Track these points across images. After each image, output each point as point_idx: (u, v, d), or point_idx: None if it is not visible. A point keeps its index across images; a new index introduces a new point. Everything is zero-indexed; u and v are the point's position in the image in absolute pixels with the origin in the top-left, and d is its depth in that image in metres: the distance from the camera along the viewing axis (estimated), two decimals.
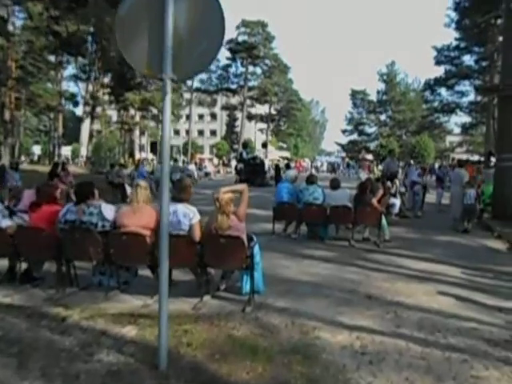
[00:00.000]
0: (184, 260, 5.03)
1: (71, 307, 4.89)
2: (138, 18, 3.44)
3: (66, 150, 56.01)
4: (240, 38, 54.89)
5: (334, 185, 9.23)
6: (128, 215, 5.33)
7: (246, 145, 31.23)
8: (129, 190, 17.43)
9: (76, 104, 49.15)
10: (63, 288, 5.38)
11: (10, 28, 27.18)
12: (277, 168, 24.44)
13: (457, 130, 54.81)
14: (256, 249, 5.27)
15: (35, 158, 55.19)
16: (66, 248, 5.34)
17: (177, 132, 69.47)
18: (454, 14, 35.76)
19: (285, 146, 71.64)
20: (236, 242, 4.89)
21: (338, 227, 9.42)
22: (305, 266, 7.08)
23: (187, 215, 5.09)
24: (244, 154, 27.57)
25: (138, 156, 43.05)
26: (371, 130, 66.88)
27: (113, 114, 50.56)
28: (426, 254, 8.11)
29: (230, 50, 54.16)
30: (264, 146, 32.37)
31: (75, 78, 39.40)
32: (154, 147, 27.74)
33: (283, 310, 4.91)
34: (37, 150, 58.29)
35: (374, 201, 8.90)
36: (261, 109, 59.76)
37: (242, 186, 5.27)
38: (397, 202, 12.03)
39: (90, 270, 5.78)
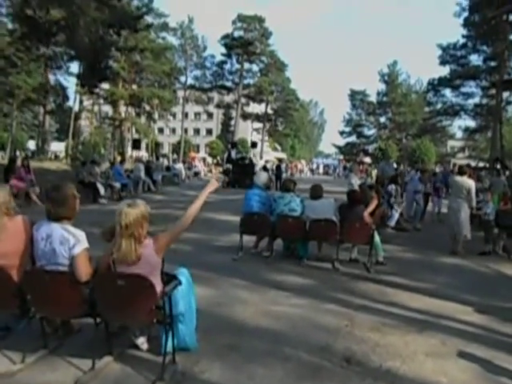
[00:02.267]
0: (65, 308, 3.36)
1: None
2: None
3: (60, 146, 54.22)
4: (236, 34, 52.82)
5: (315, 194, 7.46)
6: None
7: (235, 144, 29.41)
8: (101, 189, 15.82)
9: (67, 98, 47.53)
10: None
11: None
12: (265, 170, 22.66)
13: (459, 135, 53.14)
14: (179, 294, 3.53)
15: (29, 153, 53.74)
16: None
17: (173, 130, 67.67)
18: (465, 3, 33.63)
19: (279, 147, 69.77)
20: (141, 284, 3.17)
21: (320, 244, 7.71)
22: (269, 300, 5.36)
23: (66, 242, 3.34)
24: (233, 154, 25.86)
25: (129, 153, 41.40)
26: (370, 132, 64.97)
27: (109, 109, 48.70)
28: (427, 283, 6.41)
29: (226, 45, 52.23)
30: (253, 145, 30.35)
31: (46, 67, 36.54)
32: (136, 144, 25.94)
33: None
34: (31, 145, 56.67)
35: (366, 214, 7.20)
36: (256, 108, 57.83)
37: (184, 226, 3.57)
38: (396, 213, 10.37)
39: None
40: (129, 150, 42.79)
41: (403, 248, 9.05)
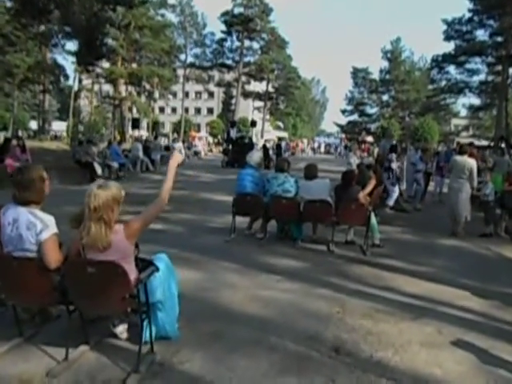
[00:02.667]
0: (35, 295, 3.17)
1: None
2: None
3: (62, 125, 53.88)
4: (236, 10, 51.57)
5: (310, 174, 7.19)
6: None
7: (235, 123, 28.91)
8: (99, 169, 15.58)
9: (66, 77, 47.03)
10: None
11: None
12: (264, 149, 22.32)
13: (463, 113, 52.36)
14: (157, 281, 3.31)
15: (32, 133, 53.44)
16: None
17: (174, 109, 67.17)
18: None
19: (282, 125, 68.93)
20: (113, 272, 2.96)
21: (315, 226, 7.49)
22: (260, 284, 5.16)
23: (33, 227, 3.13)
24: (232, 133, 25.46)
25: (130, 133, 41.10)
26: (372, 110, 63.85)
27: (109, 89, 48.12)
28: (425, 266, 6.20)
29: (226, 22, 51.16)
30: (253, 124, 29.91)
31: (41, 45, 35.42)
32: (135, 123, 25.63)
33: (192, 382, 3.04)
34: (33, 124, 56.42)
35: (362, 195, 6.95)
36: (257, 86, 56.95)
37: (159, 207, 3.36)
38: (395, 191, 10.13)
39: None
40: (129, 130, 42.49)
41: (402, 229, 8.83)
